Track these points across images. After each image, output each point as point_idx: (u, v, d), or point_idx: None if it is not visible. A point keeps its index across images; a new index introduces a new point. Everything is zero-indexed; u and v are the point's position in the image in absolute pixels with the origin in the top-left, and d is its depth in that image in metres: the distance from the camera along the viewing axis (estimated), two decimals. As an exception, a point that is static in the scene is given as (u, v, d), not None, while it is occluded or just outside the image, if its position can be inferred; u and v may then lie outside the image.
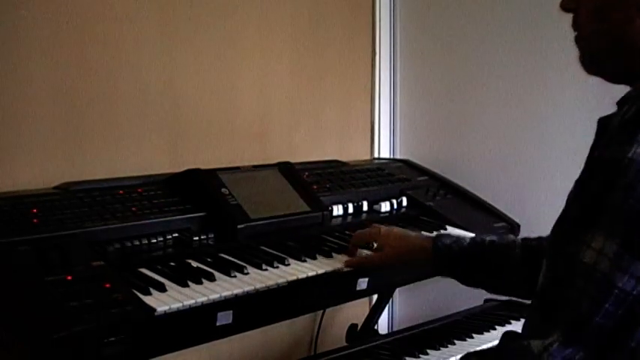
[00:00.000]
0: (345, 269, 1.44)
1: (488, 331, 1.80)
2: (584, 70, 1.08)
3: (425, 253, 1.40)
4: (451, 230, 1.78)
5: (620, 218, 0.85)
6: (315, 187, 1.79)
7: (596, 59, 1.06)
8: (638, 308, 0.84)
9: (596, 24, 1.03)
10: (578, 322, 0.86)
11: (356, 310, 2.24)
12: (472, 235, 1.75)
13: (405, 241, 1.44)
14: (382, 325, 2.37)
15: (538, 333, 0.90)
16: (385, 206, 1.86)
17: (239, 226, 1.51)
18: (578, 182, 0.94)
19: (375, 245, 1.49)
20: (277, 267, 1.40)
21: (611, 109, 1.03)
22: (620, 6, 0.99)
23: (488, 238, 1.41)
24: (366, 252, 1.52)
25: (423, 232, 1.71)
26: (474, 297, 1.86)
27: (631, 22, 0.98)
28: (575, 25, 1.06)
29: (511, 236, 1.51)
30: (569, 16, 1.08)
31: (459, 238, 1.41)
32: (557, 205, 0.99)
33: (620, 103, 0.99)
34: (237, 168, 1.69)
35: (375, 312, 2.20)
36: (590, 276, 0.86)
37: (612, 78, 1.05)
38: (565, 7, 1.07)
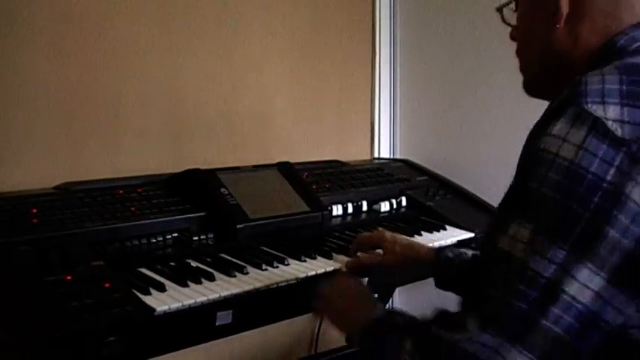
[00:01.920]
0: (344, 270, 1.43)
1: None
2: (528, 94, 1.14)
3: (426, 266, 1.38)
4: (451, 230, 1.78)
5: (533, 205, 0.88)
6: (314, 187, 1.79)
7: (534, 81, 1.11)
8: (551, 289, 0.85)
9: (527, 44, 1.09)
10: (494, 307, 0.88)
11: (356, 310, 2.24)
12: (470, 234, 1.76)
13: (408, 251, 1.42)
14: (382, 325, 2.36)
15: (457, 322, 0.92)
16: (385, 206, 1.87)
17: (239, 226, 1.51)
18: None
19: (381, 251, 1.48)
20: (277, 267, 1.40)
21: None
22: (540, 17, 1.04)
23: None
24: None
25: (423, 233, 1.71)
26: (473, 297, 1.86)
27: (552, 30, 1.02)
28: (517, 52, 1.13)
29: None
30: None
31: (460, 253, 1.37)
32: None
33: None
34: (237, 168, 1.69)
35: (375, 312, 2.20)
36: (505, 262, 0.88)
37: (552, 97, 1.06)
38: (511, 37, 1.13)
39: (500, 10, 1.15)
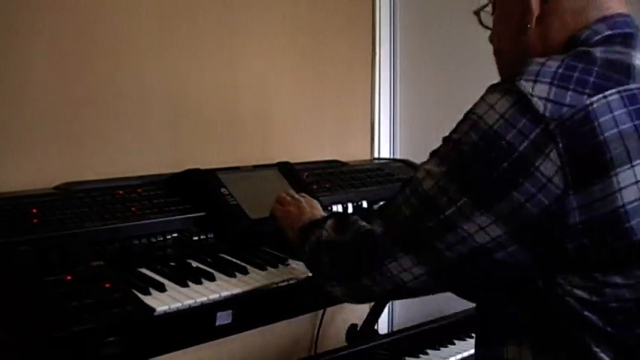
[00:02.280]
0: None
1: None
2: None
3: None
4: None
5: (450, 153, 0.99)
6: (314, 187, 1.79)
7: None
8: (451, 226, 0.95)
9: (503, 45, 1.15)
10: (398, 217, 1.02)
11: (356, 310, 2.24)
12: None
13: None
14: (382, 325, 2.37)
15: (370, 217, 1.08)
16: (385, 206, 1.86)
17: (239, 226, 1.51)
18: None
19: None
20: (277, 267, 1.40)
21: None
22: (513, 19, 1.09)
23: None
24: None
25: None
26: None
27: (524, 31, 1.07)
28: (494, 53, 1.19)
29: None
30: None
31: None
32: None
33: None
34: (237, 168, 1.69)
35: (375, 312, 2.20)
36: (414, 188, 1.01)
37: None
38: (490, 40, 1.19)
39: (477, 13, 1.20)
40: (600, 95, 0.90)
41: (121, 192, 1.50)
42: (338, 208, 1.78)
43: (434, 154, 1.04)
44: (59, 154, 1.61)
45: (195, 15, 1.85)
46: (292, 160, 1.81)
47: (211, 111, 1.90)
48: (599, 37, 1.00)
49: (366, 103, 2.37)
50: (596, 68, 0.93)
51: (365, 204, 1.84)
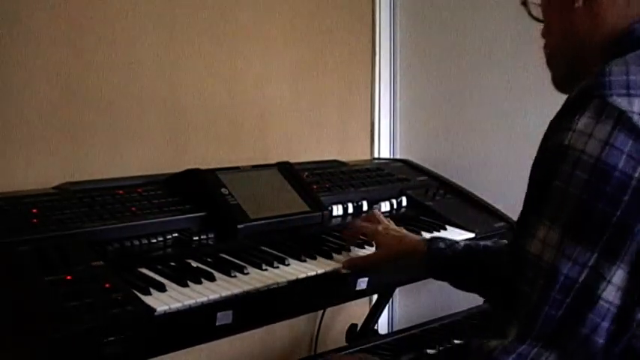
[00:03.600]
0: (344, 271, 1.44)
1: (488, 331, 1.79)
2: (557, 90, 1.09)
3: (419, 256, 1.40)
4: (451, 230, 1.78)
5: (561, 206, 0.85)
6: (314, 187, 1.79)
7: (561, 74, 1.07)
8: (586, 295, 0.83)
9: (552, 33, 1.05)
10: (530, 315, 0.86)
11: (356, 310, 2.25)
12: (470, 234, 1.76)
13: (400, 242, 1.44)
14: (382, 325, 2.37)
15: (497, 331, 0.90)
16: (385, 206, 1.86)
17: (239, 226, 1.51)
18: (531, 171, 0.94)
19: (374, 245, 1.50)
20: (277, 267, 1.40)
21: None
22: (560, 1, 1.01)
23: (482, 244, 1.41)
24: (362, 252, 1.52)
25: (423, 233, 1.71)
26: (473, 297, 1.86)
27: (572, 11, 0.99)
28: (544, 47, 1.09)
29: (505, 241, 1.51)
30: None
31: (453, 243, 1.40)
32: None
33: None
34: (237, 168, 1.69)
35: (375, 312, 2.20)
36: (537, 267, 0.86)
37: None
38: (542, 35, 1.09)
39: (525, 3, 1.12)
40: None
41: (121, 192, 1.50)
42: (338, 207, 1.78)
43: (537, 212, 0.89)
44: (59, 154, 1.61)
45: (196, 15, 1.85)
46: (292, 160, 1.81)
47: (211, 111, 1.91)
48: None
49: (366, 103, 2.37)
50: None
51: (365, 204, 1.84)
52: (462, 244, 1.40)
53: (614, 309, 0.83)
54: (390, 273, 1.57)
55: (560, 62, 1.07)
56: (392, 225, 1.52)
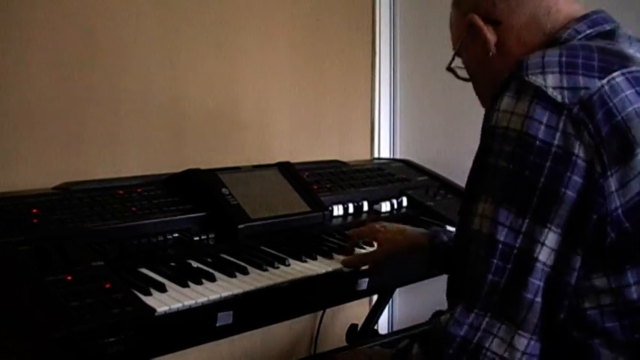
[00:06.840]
0: (345, 270, 1.44)
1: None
2: None
3: (422, 249, 1.41)
4: (451, 230, 1.77)
5: (493, 179, 0.92)
6: (315, 187, 1.79)
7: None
8: (524, 259, 0.88)
9: (480, 82, 1.16)
10: (475, 284, 0.91)
11: (356, 310, 2.25)
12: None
13: (402, 236, 1.45)
14: (382, 325, 2.37)
15: (451, 306, 0.96)
16: (385, 206, 1.86)
17: (239, 226, 1.51)
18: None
19: (375, 244, 1.50)
20: (277, 267, 1.40)
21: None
22: (478, 56, 1.10)
23: None
24: (362, 251, 1.52)
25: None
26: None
27: (490, 60, 1.09)
28: (476, 92, 1.20)
29: None
30: None
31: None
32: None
33: None
34: (237, 168, 1.69)
35: (375, 312, 2.20)
36: (477, 240, 0.92)
37: None
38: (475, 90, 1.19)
39: (450, 69, 1.20)
40: (609, 77, 0.91)
41: (121, 192, 1.50)
42: (338, 207, 1.78)
43: (474, 189, 0.96)
44: (59, 154, 1.61)
45: (196, 15, 1.85)
46: (292, 160, 1.81)
47: (211, 111, 1.91)
48: (582, 35, 1.01)
49: (366, 103, 2.37)
50: (596, 54, 0.93)
51: (365, 204, 1.84)
52: None
53: (548, 269, 0.88)
54: (391, 273, 1.57)
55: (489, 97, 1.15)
56: (390, 223, 1.52)
